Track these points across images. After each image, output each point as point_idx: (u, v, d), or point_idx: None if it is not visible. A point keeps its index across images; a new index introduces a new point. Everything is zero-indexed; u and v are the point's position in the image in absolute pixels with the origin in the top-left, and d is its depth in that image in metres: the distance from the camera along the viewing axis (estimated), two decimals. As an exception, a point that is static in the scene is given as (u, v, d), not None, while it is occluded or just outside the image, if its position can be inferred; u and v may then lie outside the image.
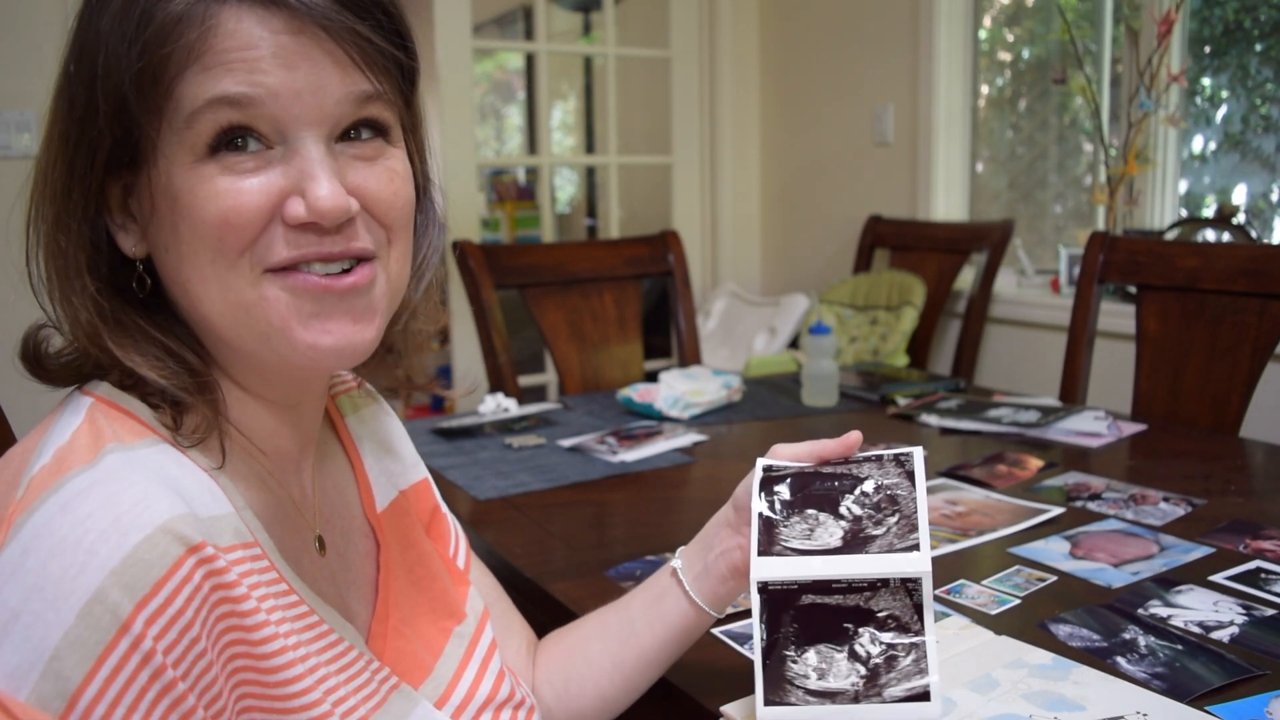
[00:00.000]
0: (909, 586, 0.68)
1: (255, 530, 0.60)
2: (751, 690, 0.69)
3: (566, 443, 1.53)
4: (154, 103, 0.56)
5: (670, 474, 1.40)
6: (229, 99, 0.56)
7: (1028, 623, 0.89)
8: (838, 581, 0.69)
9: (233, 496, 0.60)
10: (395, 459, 0.82)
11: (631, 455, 1.46)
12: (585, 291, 2.16)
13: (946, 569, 1.02)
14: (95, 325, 0.59)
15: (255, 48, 0.56)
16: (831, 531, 0.71)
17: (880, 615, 0.68)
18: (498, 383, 2.02)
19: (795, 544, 0.71)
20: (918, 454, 0.74)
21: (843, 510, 0.72)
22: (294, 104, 0.57)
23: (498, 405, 1.68)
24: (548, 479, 1.37)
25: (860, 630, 0.68)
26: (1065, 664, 0.79)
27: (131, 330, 0.60)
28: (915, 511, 0.71)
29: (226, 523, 0.57)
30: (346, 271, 0.61)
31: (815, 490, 0.74)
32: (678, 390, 1.69)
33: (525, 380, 3.06)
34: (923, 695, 0.66)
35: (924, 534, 0.69)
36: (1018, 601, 0.94)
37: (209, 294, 0.59)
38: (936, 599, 0.94)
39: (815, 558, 0.69)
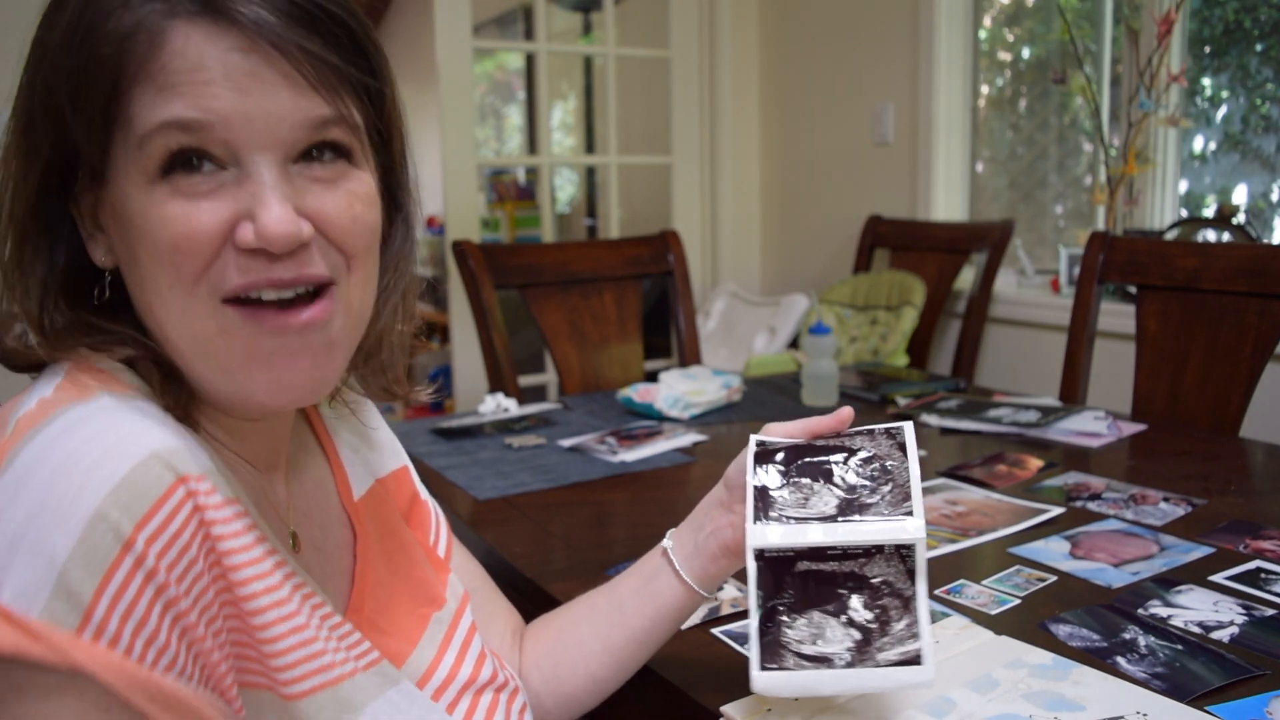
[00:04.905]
0: (902, 553, 0.69)
1: (238, 492, 0.61)
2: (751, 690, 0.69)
3: (566, 443, 1.53)
4: (99, 120, 0.55)
5: (670, 474, 1.40)
6: (180, 123, 0.55)
7: (1028, 623, 0.89)
8: (833, 548, 0.69)
9: (215, 462, 0.60)
10: (371, 447, 0.81)
11: (631, 455, 1.46)
12: (585, 291, 2.16)
13: (946, 569, 1.02)
14: (50, 330, 0.60)
15: (205, 69, 0.55)
16: (826, 500, 0.72)
17: (874, 581, 0.69)
18: (498, 383, 2.02)
19: (790, 512, 0.72)
20: (908, 427, 0.75)
21: (836, 479, 0.73)
22: (245, 128, 0.56)
23: (498, 405, 1.68)
24: (548, 479, 1.37)
25: (854, 596, 0.69)
26: (1065, 664, 0.79)
27: (92, 329, 0.61)
28: (908, 480, 0.71)
29: (212, 476, 0.57)
30: (304, 300, 0.60)
31: (809, 461, 0.75)
32: (678, 390, 1.69)
33: (525, 380, 3.05)
34: (915, 659, 0.67)
35: (917, 501, 0.70)
36: (1018, 601, 0.94)
37: (172, 319, 0.59)
38: (937, 598, 0.94)
39: (811, 525, 0.70)
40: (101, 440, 0.52)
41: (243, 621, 0.57)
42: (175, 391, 0.61)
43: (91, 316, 0.61)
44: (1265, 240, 2.39)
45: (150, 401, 0.59)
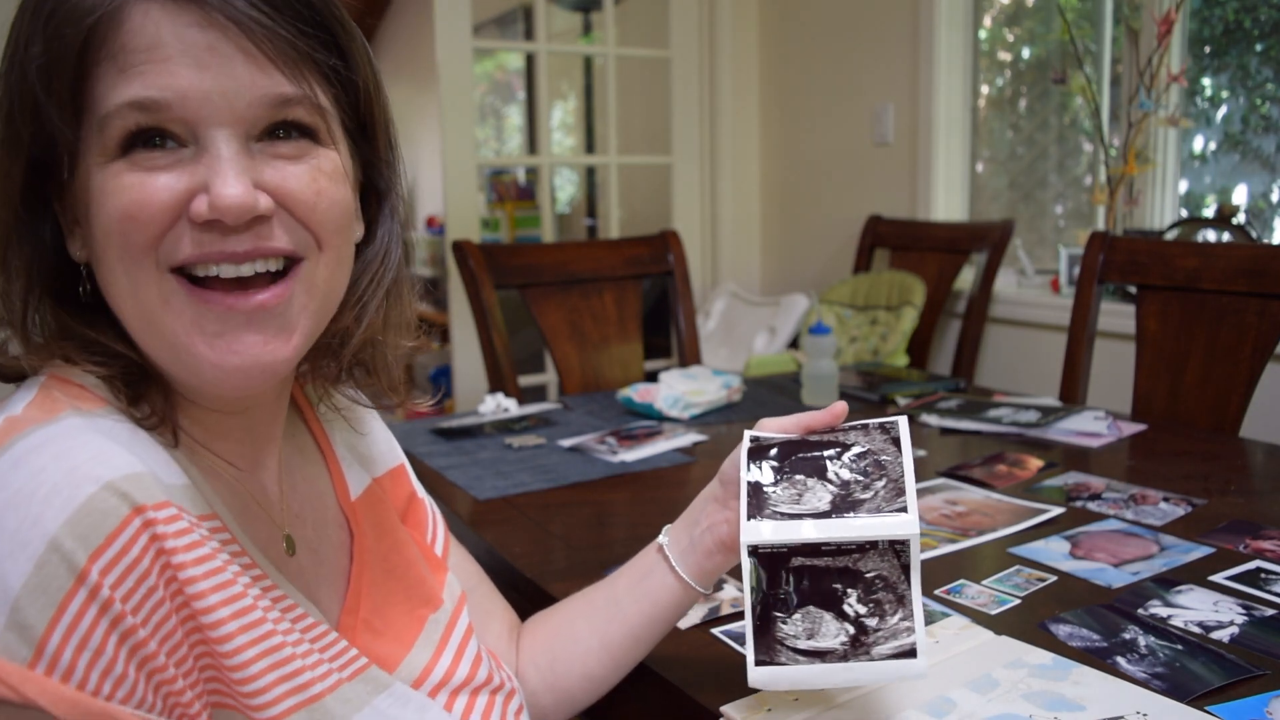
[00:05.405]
0: (897, 548, 0.69)
1: (215, 505, 0.60)
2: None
3: (566, 443, 1.53)
4: (66, 102, 0.55)
5: (670, 474, 1.40)
6: (138, 103, 0.55)
7: (1028, 623, 0.89)
8: (827, 544, 0.70)
9: (192, 475, 0.60)
10: (368, 446, 0.81)
11: (631, 455, 1.46)
12: (585, 291, 2.16)
13: (946, 569, 1.02)
14: (28, 327, 0.60)
15: (163, 46, 0.55)
16: (820, 495, 0.72)
17: (868, 576, 0.69)
18: (498, 383, 2.02)
19: (784, 508, 0.72)
20: (902, 422, 0.75)
21: (830, 475, 0.73)
22: (203, 105, 0.56)
23: (498, 405, 1.68)
24: (548, 479, 1.37)
25: (849, 591, 0.69)
26: (1065, 664, 0.79)
27: (69, 332, 0.60)
28: (902, 476, 0.72)
29: (184, 494, 0.57)
30: (263, 281, 0.59)
31: (803, 457, 0.75)
32: (678, 390, 1.69)
33: (525, 380, 3.05)
34: (909, 653, 0.67)
35: (911, 497, 0.70)
36: (1018, 601, 0.94)
37: (121, 295, 0.58)
38: (937, 599, 0.94)
39: (805, 521, 0.71)
40: (58, 468, 0.51)
41: (209, 648, 0.56)
42: (152, 399, 0.60)
43: (73, 318, 0.60)
44: (1265, 240, 2.39)
45: (121, 418, 0.58)
